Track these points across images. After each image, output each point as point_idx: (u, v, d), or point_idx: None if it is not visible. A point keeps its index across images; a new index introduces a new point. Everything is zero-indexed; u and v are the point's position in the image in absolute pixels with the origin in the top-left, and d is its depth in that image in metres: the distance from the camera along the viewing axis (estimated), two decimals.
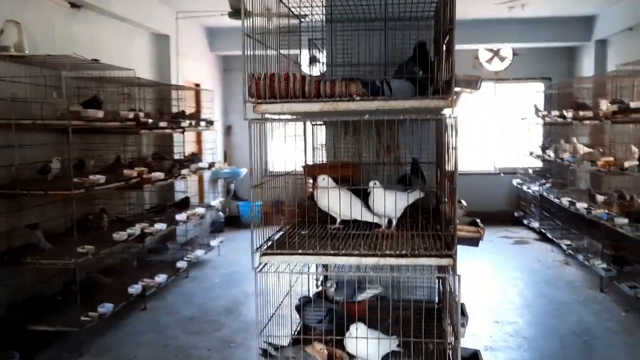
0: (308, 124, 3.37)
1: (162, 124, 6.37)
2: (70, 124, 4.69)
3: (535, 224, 9.31)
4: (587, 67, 9.38)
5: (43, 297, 5.13)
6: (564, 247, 7.77)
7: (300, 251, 2.30)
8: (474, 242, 2.17)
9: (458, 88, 2.13)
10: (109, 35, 6.69)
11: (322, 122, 3.41)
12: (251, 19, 2.52)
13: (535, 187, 9.09)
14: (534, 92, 9.51)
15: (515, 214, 10.18)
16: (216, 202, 8.31)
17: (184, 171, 6.89)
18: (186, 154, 8.00)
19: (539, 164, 9.34)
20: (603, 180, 7.64)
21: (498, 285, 6.83)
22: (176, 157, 7.77)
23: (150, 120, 6.00)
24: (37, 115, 4.93)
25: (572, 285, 6.71)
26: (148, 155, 7.30)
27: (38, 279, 5.13)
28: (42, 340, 4.87)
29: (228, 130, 10.97)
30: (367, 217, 2.66)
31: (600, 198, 6.76)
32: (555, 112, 8.10)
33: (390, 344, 2.64)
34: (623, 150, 6.83)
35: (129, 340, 5.18)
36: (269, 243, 2.45)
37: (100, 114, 5.07)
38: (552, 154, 8.31)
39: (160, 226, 6.20)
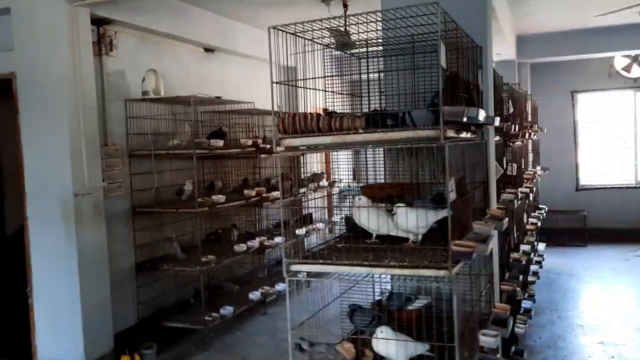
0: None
1: (279, 148, 7.07)
2: (195, 153, 5.57)
3: None
4: None
5: (179, 299, 6.05)
6: None
7: (320, 261, 2.73)
8: (466, 255, 2.43)
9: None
10: (238, 72, 7.60)
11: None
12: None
13: None
14: None
15: None
16: (338, 218, 8.86)
17: (303, 190, 7.55)
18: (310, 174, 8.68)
19: None
20: None
21: (622, 305, 6.50)
22: (303, 177, 8.49)
23: (268, 146, 6.75)
24: (171, 146, 5.90)
25: None
26: (276, 176, 8.09)
27: (177, 284, 6.08)
28: (176, 335, 5.76)
29: (357, 150, 11.53)
30: (395, 232, 3.00)
31: None
32: None
33: (417, 347, 2.93)
34: None
35: (246, 340, 5.90)
36: (304, 254, 2.91)
37: (220, 143, 5.90)
38: None
39: (279, 240, 6.89)
